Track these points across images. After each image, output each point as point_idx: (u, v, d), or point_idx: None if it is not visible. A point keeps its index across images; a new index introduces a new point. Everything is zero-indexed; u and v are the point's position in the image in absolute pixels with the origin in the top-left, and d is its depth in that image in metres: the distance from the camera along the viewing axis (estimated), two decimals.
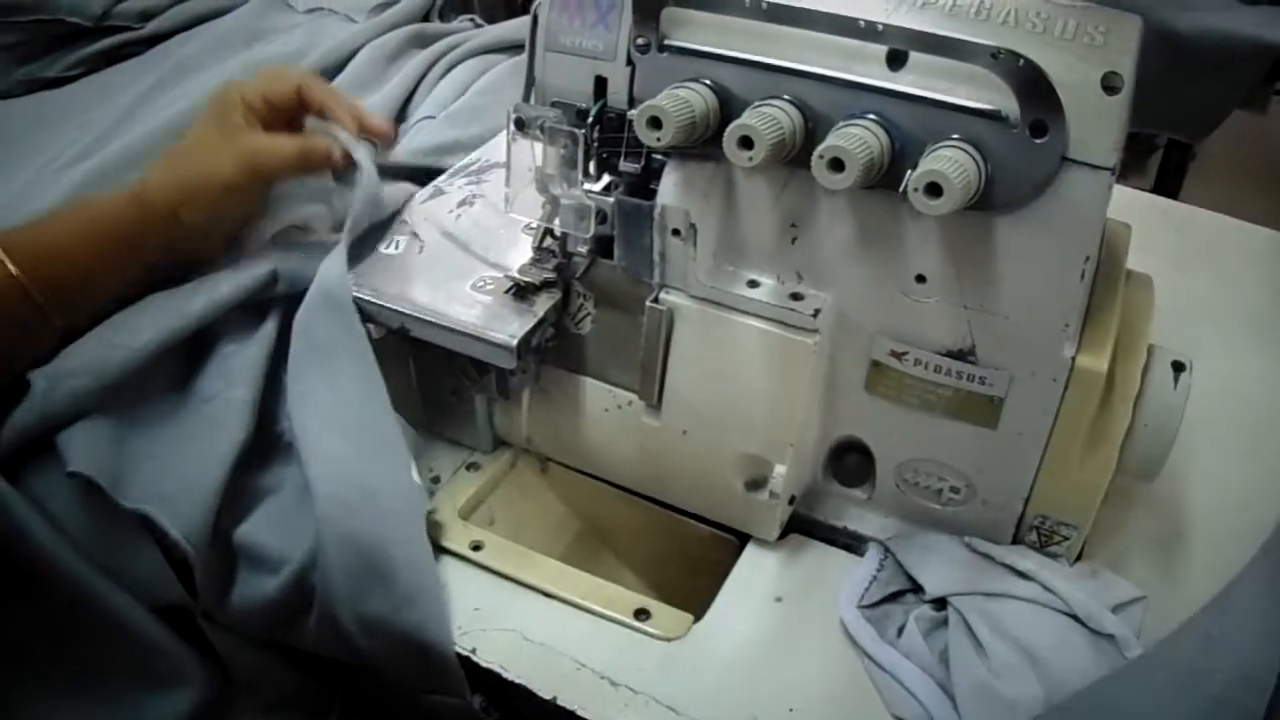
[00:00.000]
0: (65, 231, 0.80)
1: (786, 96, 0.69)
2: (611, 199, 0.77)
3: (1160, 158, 2.18)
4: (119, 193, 0.82)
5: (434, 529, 0.84)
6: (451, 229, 0.90)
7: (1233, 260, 1.19)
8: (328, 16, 1.36)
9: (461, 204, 0.93)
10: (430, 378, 0.90)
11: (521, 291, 0.82)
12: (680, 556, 0.90)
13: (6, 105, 1.30)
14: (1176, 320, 0.87)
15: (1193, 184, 2.17)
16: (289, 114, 0.89)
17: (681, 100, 0.68)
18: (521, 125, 0.76)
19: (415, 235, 0.89)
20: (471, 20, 1.42)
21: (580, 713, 0.73)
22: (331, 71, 1.22)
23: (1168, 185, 2.07)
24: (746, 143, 0.66)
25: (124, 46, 1.36)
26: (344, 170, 0.89)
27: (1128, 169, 0.68)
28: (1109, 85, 0.64)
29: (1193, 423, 0.79)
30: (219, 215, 0.85)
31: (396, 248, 0.88)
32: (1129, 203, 0.76)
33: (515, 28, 1.32)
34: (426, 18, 1.44)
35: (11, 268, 0.75)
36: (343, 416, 0.79)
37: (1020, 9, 0.66)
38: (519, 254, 0.85)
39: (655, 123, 0.68)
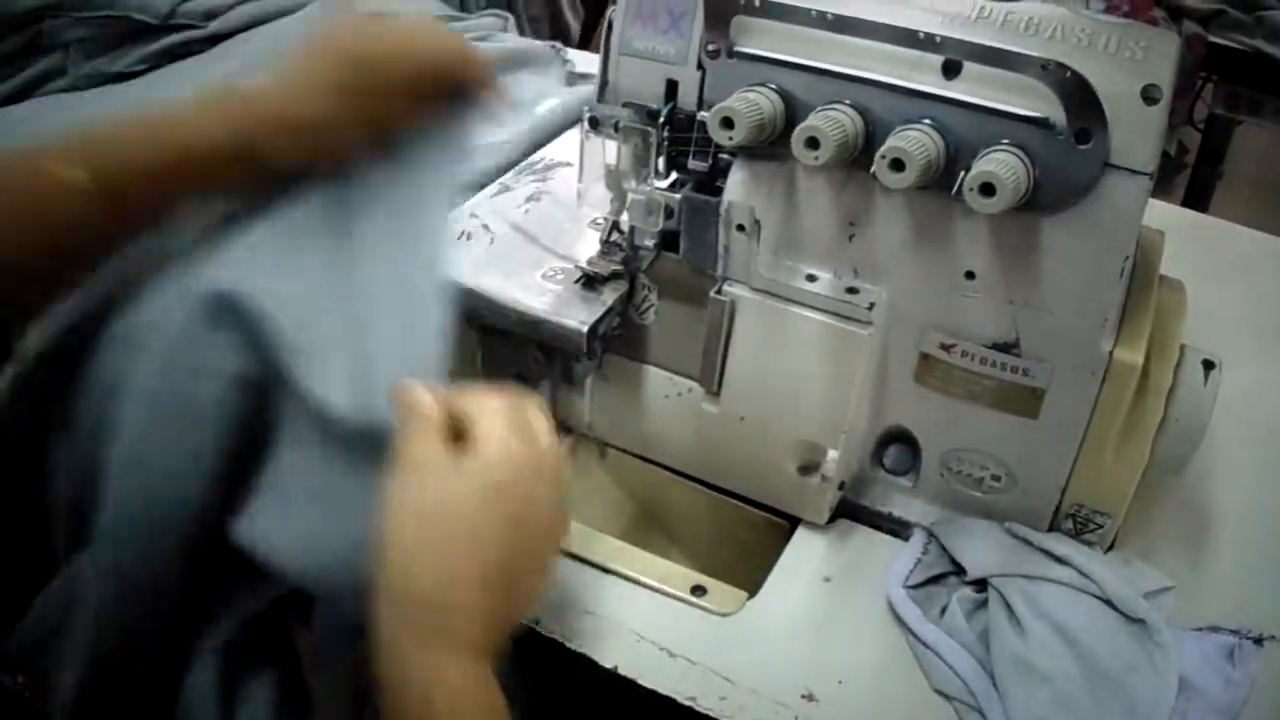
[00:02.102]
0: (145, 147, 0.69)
1: (848, 101, 0.74)
2: (679, 195, 0.81)
3: (1188, 176, 2.20)
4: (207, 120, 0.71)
5: None
6: (521, 222, 0.94)
7: (1260, 271, 1.22)
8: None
9: (529, 199, 0.97)
10: (495, 365, 0.93)
11: (590, 282, 0.86)
12: (731, 539, 0.94)
13: (74, 98, 1.33)
14: (1206, 326, 0.90)
15: (1220, 201, 2.19)
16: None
17: (751, 102, 0.73)
18: (595, 124, 0.80)
19: (486, 228, 0.93)
20: (501, 17, 1.45)
21: (640, 681, 0.77)
22: None
23: (1196, 203, 2.09)
24: (813, 143, 0.71)
25: (187, 44, 1.38)
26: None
27: (1156, 186, 0.72)
28: (1149, 96, 0.69)
29: (1220, 424, 0.83)
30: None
31: (468, 239, 0.92)
32: (1160, 215, 0.80)
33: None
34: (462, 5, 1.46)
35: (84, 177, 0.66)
36: None
37: (1067, 24, 0.71)
38: (586, 246, 0.89)
39: (728, 123, 0.72)
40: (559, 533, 0.68)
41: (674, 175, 0.82)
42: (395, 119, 0.73)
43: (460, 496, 0.63)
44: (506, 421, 0.66)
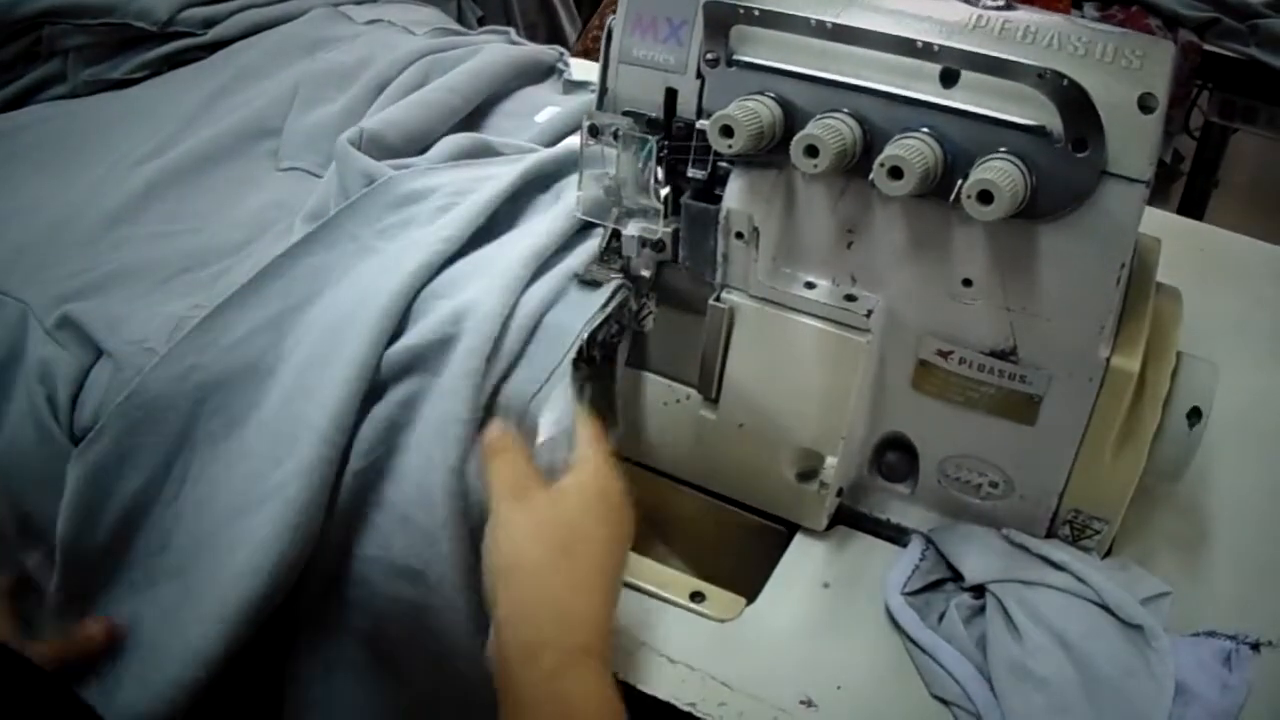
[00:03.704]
0: None
1: (846, 110, 0.74)
2: (679, 203, 0.82)
3: (1184, 184, 2.21)
4: None
5: None
6: None
7: (1255, 279, 1.23)
8: (388, 28, 1.38)
9: None
10: None
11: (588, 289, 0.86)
12: (730, 545, 0.94)
13: (74, 104, 1.33)
14: (1201, 334, 0.91)
15: (1215, 209, 2.20)
16: None
17: (750, 111, 0.73)
18: (594, 132, 0.80)
19: None
20: (502, 32, 1.45)
21: (639, 687, 0.77)
22: (388, 85, 1.25)
23: (1191, 211, 2.10)
24: (812, 151, 0.71)
25: (186, 52, 1.37)
26: None
27: (1151, 195, 0.73)
28: (1145, 105, 0.69)
29: (1216, 431, 0.83)
30: None
31: None
32: (1155, 223, 0.80)
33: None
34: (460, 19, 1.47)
35: None
36: None
37: (1064, 33, 0.71)
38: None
39: (727, 131, 0.73)
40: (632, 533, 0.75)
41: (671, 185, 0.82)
42: None
43: (572, 511, 0.72)
44: (583, 438, 0.76)
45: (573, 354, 0.81)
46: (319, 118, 1.17)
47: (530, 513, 0.71)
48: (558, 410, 0.80)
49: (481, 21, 1.81)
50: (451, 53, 1.29)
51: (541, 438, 0.79)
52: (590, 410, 0.79)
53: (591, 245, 0.88)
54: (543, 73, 1.35)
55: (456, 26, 1.49)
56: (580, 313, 0.83)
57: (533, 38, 1.60)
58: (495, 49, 1.33)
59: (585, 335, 0.82)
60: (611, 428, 0.90)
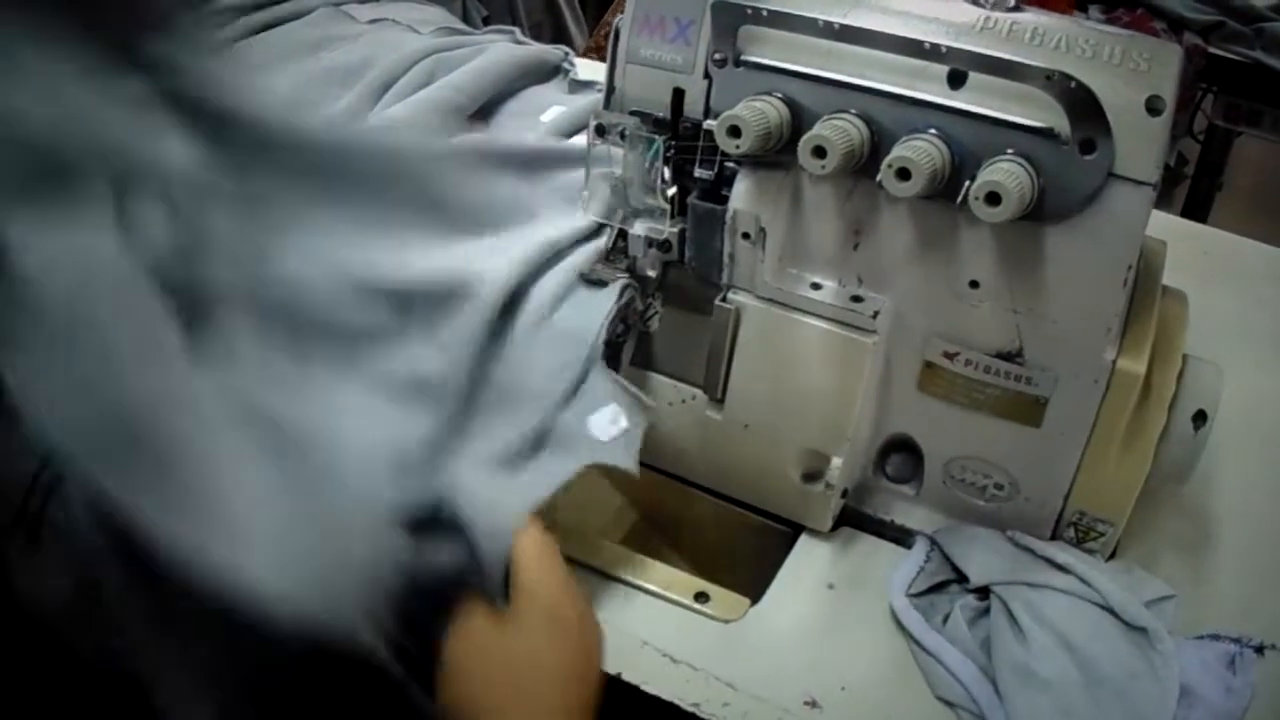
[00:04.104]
0: None
1: (854, 111, 0.74)
2: (686, 203, 0.82)
3: (1188, 187, 2.21)
4: None
5: None
6: None
7: (1259, 282, 1.23)
8: (392, 27, 1.38)
9: None
10: None
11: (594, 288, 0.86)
12: (734, 546, 0.94)
13: None
14: (1206, 336, 0.91)
15: (1219, 212, 2.20)
16: None
17: (758, 111, 0.73)
18: (601, 131, 0.80)
19: None
20: (507, 32, 1.45)
21: (643, 688, 0.77)
22: (393, 84, 1.25)
23: (1195, 214, 2.10)
24: (819, 152, 0.71)
25: None
26: None
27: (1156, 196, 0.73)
28: (1152, 107, 0.69)
29: (1221, 434, 0.83)
30: None
31: None
32: (1160, 226, 0.80)
33: None
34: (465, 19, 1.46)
35: None
36: None
37: (1071, 35, 0.71)
38: None
39: (735, 131, 0.73)
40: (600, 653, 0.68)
41: (675, 187, 0.82)
42: None
43: (520, 641, 0.64)
44: (521, 549, 0.67)
45: (599, 353, 0.81)
46: None
47: (483, 652, 0.64)
48: (608, 411, 0.80)
49: (486, 21, 1.82)
50: (456, 52, 1.28)
51: (603, 438, 0.79)
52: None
53: (598, 243, 0.88)
54: (548, 72, 1.35)
55: (461, 26, 1.48)
56: (592, 313, 0.83)
57: (538, 37, 1.60)
58: (500, 48, 1.33)
59: (604, 337, 0.82)
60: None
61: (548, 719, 0.62)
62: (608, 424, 0.79)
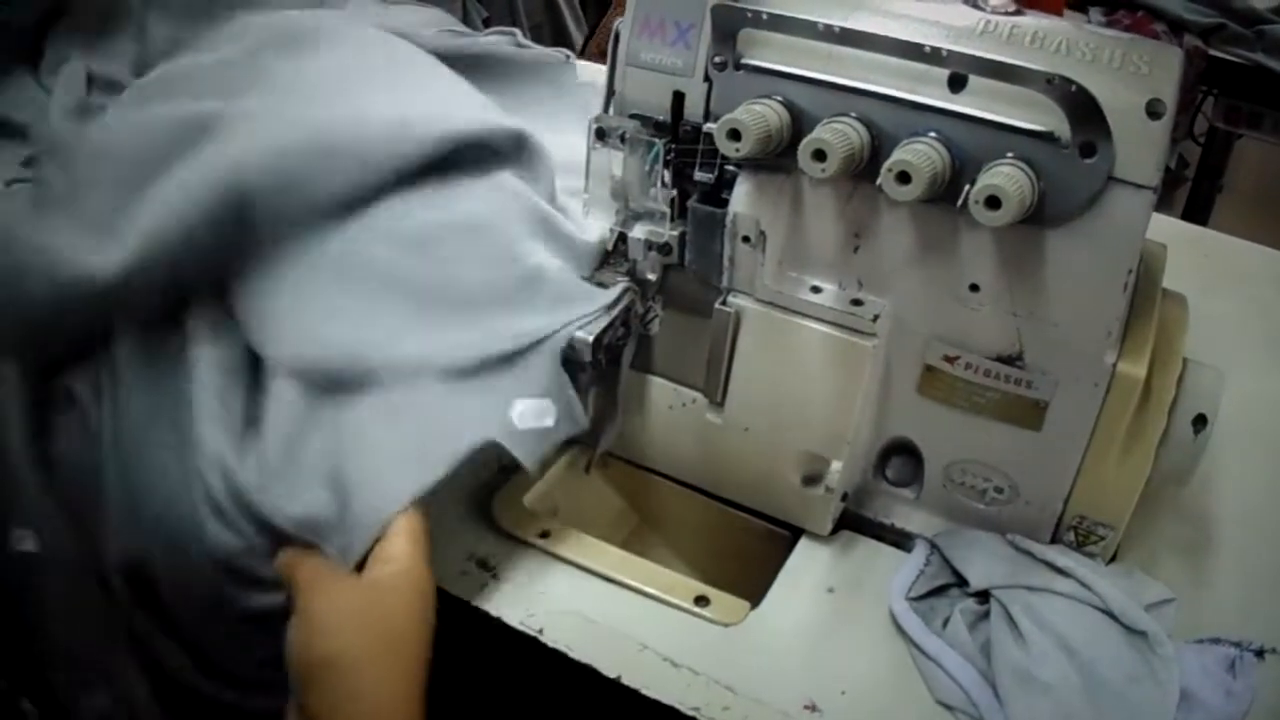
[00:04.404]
0: None
1: (854, 114, 0.74)
2: (686, 206, 0.82)
3: (1188, 189, 2.21)
4: None
5: (504, 518, 0.89)
6: None
7: (1260, 285, 1.23)
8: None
9: None
10: None
11: None
12: (733, 549, 0.94)
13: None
14: (1206, 339, 0.91)
15: (1220, 215, 2.20)
16: None
17: (758, 114, 0.73)
18: (601, 135, 0.80)
19: None
20: (509, 33, 1.45)
21: (643, 692, 0.77)
22: None
23: (1196, 217, 2.10)
24: (820, 155, 0.71)
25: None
26: None
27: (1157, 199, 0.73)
28: (1153, 111, 0.69)
29: (1221, 436, 0.83)
30: None
31: None
32: (1160, 229, 0.80)
33: None
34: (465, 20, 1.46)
35: None
36: None
37: (1071, 39, 0.71)
38: None
39: (735, 134, 0.73)
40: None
41: (675, 190, 0.82)
42: None
43: (392, 605, 0.67)
44: (400, 529, 0.71)
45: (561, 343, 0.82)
46: None
47: (345, 604, 0.66)
48: (538, 405, 0.80)
49: (487, 23, 1.82)
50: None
51: (519, 425, 0.78)
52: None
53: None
54: (552, 74, 1.35)
55: (462, 28, 1.48)
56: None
57: (538, 39, 1.60)
58: (500, 51, 1.33)
59: (590, 339, 0.81)
60: (611, 425, 0.91)
61: (410, 677, 0.65)
62: (532, 416, 0.78)
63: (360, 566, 0.70)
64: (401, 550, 0.69)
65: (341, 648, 0.64)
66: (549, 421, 0.79)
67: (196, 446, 0.74)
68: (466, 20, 1.74)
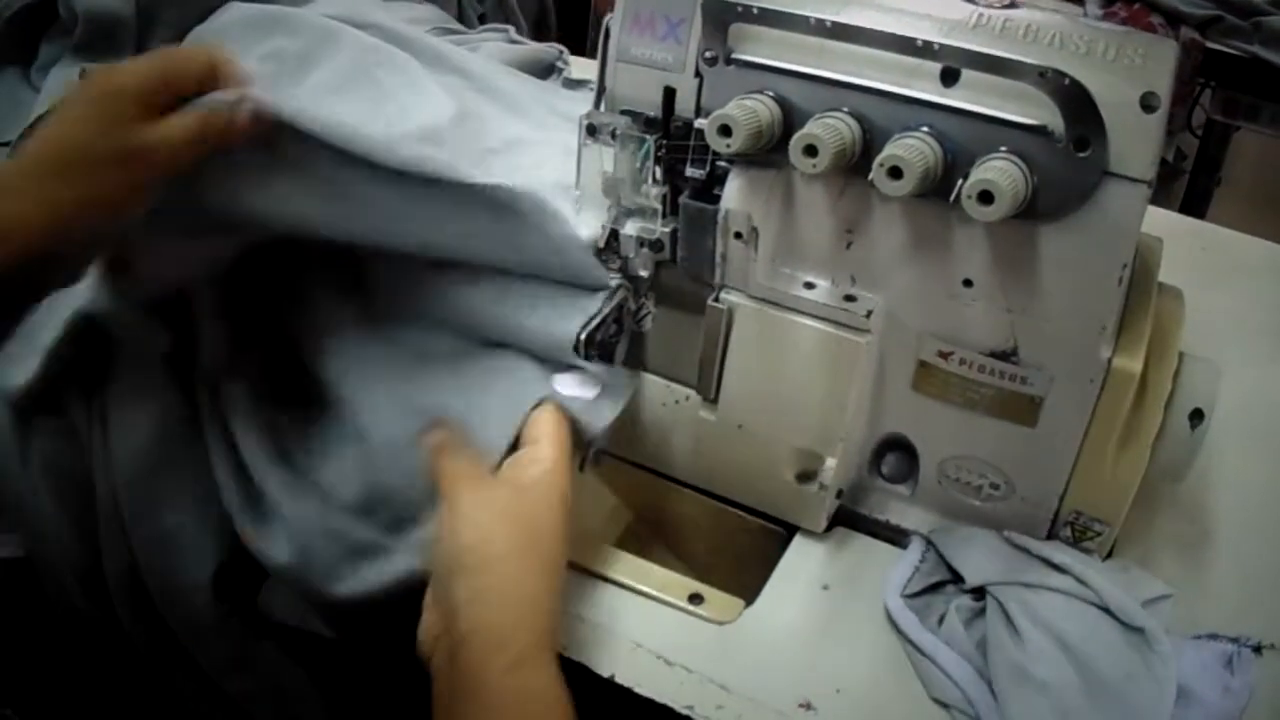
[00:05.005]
0: None
1: (846, 109, 0.73)
2: (677, 202, 0.81)
3: (1186, 182, 2.20)
4: None
5: None
6: None
7: (1257, 278, 1.23)
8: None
9: None
10: None
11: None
12: (728, 547, 0.94)
13: None
14: (1203, 333, 0.91)
15: (1217, 208, 2.19)
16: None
17: (749, 110, 0.73)
18: (592, 131, 0.80)
19: None
20: (503, 30, 1.45)
21: (637, 690, 0.77)
22: None
23: (1193, 209, 2.09)
24: (811, 151, 0.70)
25: None
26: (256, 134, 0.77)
27: (1153, 193, 0.72)
28: (1147, 104, 0.68)
29: (1218, 430, 0.83)
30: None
31: None
32: (1158, 222, 0.80)
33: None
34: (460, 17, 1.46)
35: None
36: None
37: (1065, 32, 0.70)
38: None
39: (725, 130, 0.72)
40: None
41: (670, 184, 0.82)
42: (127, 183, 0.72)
43: (537, 505, 0.72)
44: (547, 436, 0.76)
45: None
46: None
47: (493, 502, 0.70)
48: (578, 376, 0.84)
49: (482, 19, 1.81)
50: None
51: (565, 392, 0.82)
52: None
53: None
54: (543, 71, 1.35)
55: (456, 25, 1.48)
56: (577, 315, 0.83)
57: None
58: (495, 47, 1.33)
59: (583, 336, 0.81)
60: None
61: (553, 570, 0.70)
62: (575, 384, 0.82)
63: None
64: (546, 454, 0.75)
65: (487, 537, 0.68)
66: (591, 393, 0.83)
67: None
68: (462, 17, 1.74)
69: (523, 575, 0.68)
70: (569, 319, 0.82)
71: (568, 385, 0.82)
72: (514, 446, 0.77)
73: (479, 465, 0.74)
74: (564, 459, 0.75)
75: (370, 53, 0.91)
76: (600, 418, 0.82)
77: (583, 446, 0.81)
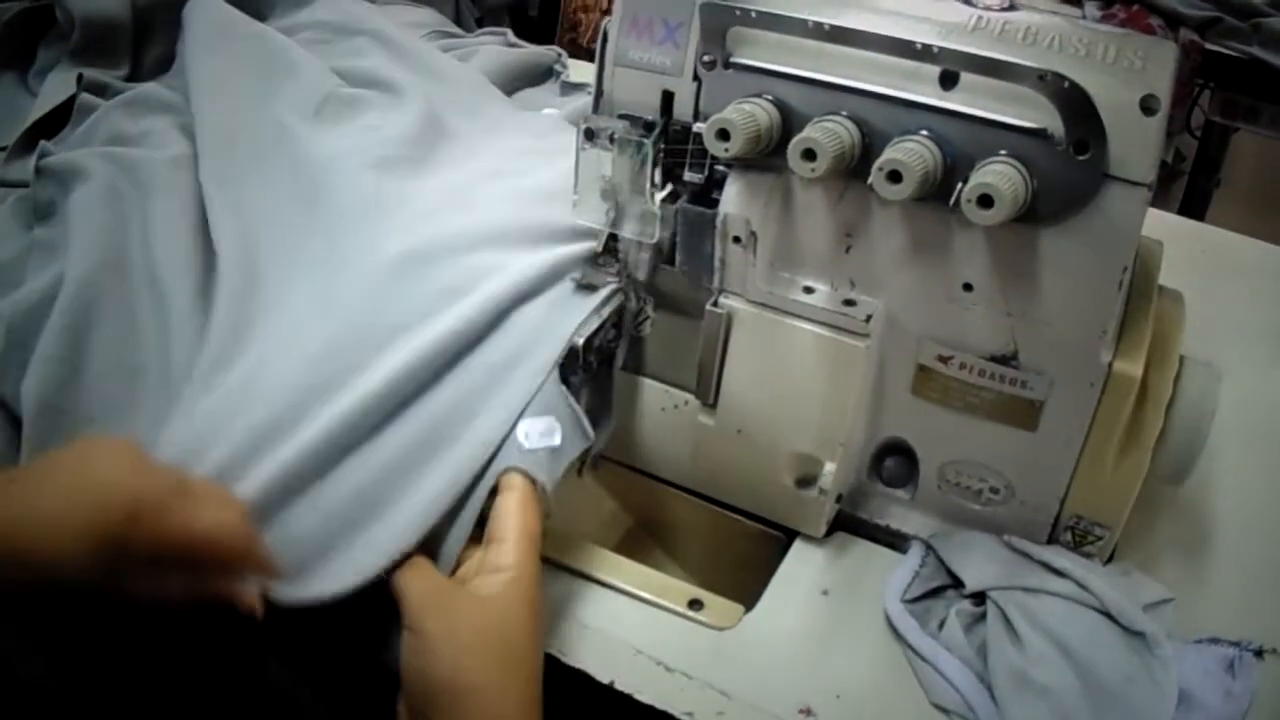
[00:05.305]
0: None
1: (844, 113, 0.73)
2: (675, 207, 0.81)
3: (1185, 184, 2.20)
4: None
5: None
6: None
7: (1257, 279, 1.22)
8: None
9: None
10: None
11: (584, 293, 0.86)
12: (727, 552, 0.93)
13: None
14: (1204, 335, 0.90)
15: (1217, 209, 2.19)
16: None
17: (747, 114, 0.72)
18: (591, 135, 0.80)
19: None
20: (499, 34, 1.45)
21: (637, 696, 0.76)
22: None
23: (1192, 211, 2.09)
24: (810, 155, 0.70)
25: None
26: None
27: (1152, 195, 0.72)
28: (1147, 107, 0.68)
29: (1219, 433, 0.82)
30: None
31: None
32: (1157, 223, 0.80)
33: None
34: (458, 19, 1.47)
35: None
36: None
37: (1065, 34, 0.70)
38: None
39: (724, 134, 0.72)
40: None
41: (670, 187, 0.81)
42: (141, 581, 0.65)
43: (508, 622, 0.68)
44: (514, 533, 0.72)
45: (559, 359, 0.81)
46: None
47: (463, 629, 0.67)
48: (542, 422, 0.79)
49: (480, 23, 1.81)
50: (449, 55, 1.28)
51: (527, 446, 0.78)
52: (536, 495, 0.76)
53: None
54: (541, 74, 1.35)
55: (454, 29, 1.48)
56: (572, 316, 0.83)
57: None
58: (493, 51, 1.33)
59: (580, 341, 0.81)
60: (604, 426, 0.90)
61: (530, 695, 0.67)
62: (538, 434, 0.78)
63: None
64: (512, 559, 0.71)
65: (461, 669, 0.65)
66: (556, 440, 0.79)
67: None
68: (459, 20, 1.74)
69: (501, 704, 0.65)
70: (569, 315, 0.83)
71: (534, 438, 0.78)
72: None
73: (440, 582, 0.71)
74: (531, 558, 0.71)
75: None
76: (552, 471, 0.78)
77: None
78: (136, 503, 0.62)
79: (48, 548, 0.61)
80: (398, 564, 0.71)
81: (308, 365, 0.78)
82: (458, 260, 0.85)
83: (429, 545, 0.73)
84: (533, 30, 2.08)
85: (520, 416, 0.78)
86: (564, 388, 0.81)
